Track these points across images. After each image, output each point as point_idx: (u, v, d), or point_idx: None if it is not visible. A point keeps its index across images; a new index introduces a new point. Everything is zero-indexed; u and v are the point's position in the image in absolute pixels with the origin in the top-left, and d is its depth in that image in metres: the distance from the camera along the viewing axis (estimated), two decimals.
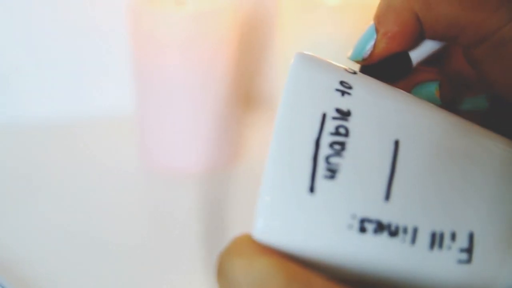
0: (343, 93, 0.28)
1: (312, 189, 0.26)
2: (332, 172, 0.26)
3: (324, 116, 0.27)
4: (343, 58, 0.35)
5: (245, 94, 0.76)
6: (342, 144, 0.27)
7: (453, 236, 0.26)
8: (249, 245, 0.26)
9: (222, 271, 0.26)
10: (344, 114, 0.27)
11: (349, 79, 0.29)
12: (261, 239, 0.26)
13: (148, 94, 0.68)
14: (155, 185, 0.68)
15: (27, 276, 0.57)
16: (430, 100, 0.32)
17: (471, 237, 0.27)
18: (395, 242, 0.26)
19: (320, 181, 0.26)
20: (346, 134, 0.27)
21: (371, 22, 0.33)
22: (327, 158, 0.27)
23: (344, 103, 0.28)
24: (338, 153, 0.27)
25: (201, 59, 0.66)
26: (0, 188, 0.68)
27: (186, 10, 0.65)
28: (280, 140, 0.27)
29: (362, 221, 0.26)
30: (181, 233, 0.62)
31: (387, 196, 0.26)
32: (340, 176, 0.26)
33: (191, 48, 0.65)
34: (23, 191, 0.67)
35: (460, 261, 0.26)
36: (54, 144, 0.75)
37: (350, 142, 0.27)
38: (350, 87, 0.28)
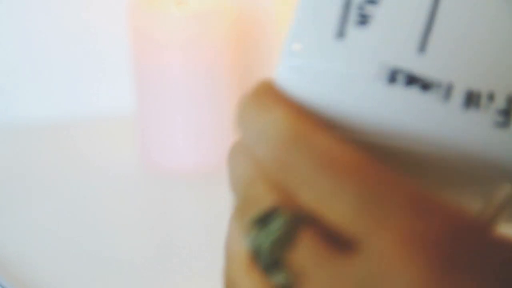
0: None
1: (341, 33, 0.25)
2: (364, 18, 0.25)
3: None
4: None
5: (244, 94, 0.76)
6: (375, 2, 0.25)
7: (491, 97, 0.24)
8: (267, 92, 0.26)
9: (241, 118, 0.26)
10: None
11: None
12: (282, 86, 0.25)
13: (148, 94, 0.68)
14: (155, 185, 0.68)
15: (27, 276, 0.57)
16: None
17: (510, 100, 0.25)
18: (427, 96, 0.24)
19: (350, 26, 0.25)
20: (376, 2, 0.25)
21: None
22: (360, 5, 0.25)
23: None
24: (373, 1, 0.25)
25: (201, 59, 0.66)
26: (0, 188, 0.68)
27: (186, 10, 0.65)
28: None
29: (393, 71, 0.24)
30: (181, 233, 0.62)
31: (422, 47, 0.24)
32: (373, 22, 0.24)
33: (191, 48, 0.65)
34: (23, 191, 0.67)
35: (497, 124, 0.25)
36: (54, 144, 0.75)
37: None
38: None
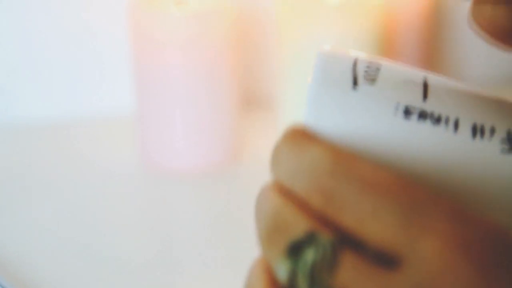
0: (370, 67, 0.30)
1: (356, 85, 0.28)
2: (371, 78, 0.29)
3: (356, 59, 0.29)
4: None
5: (244, 94, 0.76)
6: (377, 69, 0.29)
7: (493, 131, 0.28)
8: (300, 134, 0.28)
9: (276, 160, 0.28)
10: (374, 63, 0.29)
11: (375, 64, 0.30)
12: (311, 127, 0.28)
13: (148, 94, 0.68)
14: (155, 185, 0.68)
15: (27, 276, 0.57)
16: None
17: (509, 133, 0.28)
18: (438, 129, 0.28)
19: (362, 82, 0.29)
20: (378, 69, 0.29)
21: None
22: (365, 69, 0.29)
23: (374, 63, 0.30)
24: (374, 68, 0.29)
25: (200, 59, 0.66)
26: (0, 188, 0.68)
27: (186, 10, 0.65)
28: (320, 68, 0.29)
29: (407, 107, 0.28)
30: (181, 233, 0.62)
31: (425, 96, 0.28)
32: (379, 81, 0.29)
33: (190, 48, 0.65)
34: (23, 191, 0.67)
35: (503, 151, 0.28)
36: (54, 144, 0.75)
37: (382, 69, 0.29)
38: (378, 69, 0.30)
